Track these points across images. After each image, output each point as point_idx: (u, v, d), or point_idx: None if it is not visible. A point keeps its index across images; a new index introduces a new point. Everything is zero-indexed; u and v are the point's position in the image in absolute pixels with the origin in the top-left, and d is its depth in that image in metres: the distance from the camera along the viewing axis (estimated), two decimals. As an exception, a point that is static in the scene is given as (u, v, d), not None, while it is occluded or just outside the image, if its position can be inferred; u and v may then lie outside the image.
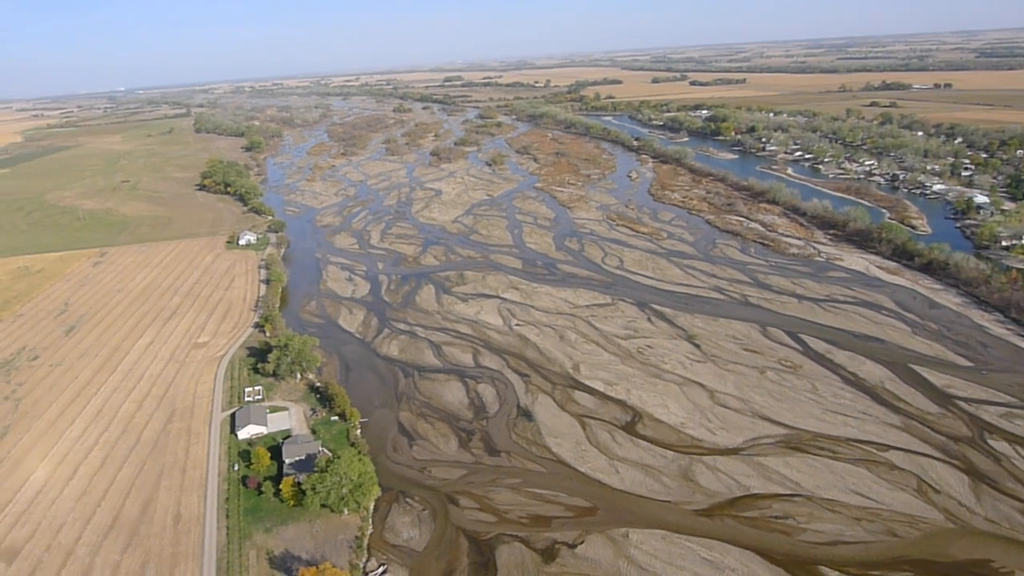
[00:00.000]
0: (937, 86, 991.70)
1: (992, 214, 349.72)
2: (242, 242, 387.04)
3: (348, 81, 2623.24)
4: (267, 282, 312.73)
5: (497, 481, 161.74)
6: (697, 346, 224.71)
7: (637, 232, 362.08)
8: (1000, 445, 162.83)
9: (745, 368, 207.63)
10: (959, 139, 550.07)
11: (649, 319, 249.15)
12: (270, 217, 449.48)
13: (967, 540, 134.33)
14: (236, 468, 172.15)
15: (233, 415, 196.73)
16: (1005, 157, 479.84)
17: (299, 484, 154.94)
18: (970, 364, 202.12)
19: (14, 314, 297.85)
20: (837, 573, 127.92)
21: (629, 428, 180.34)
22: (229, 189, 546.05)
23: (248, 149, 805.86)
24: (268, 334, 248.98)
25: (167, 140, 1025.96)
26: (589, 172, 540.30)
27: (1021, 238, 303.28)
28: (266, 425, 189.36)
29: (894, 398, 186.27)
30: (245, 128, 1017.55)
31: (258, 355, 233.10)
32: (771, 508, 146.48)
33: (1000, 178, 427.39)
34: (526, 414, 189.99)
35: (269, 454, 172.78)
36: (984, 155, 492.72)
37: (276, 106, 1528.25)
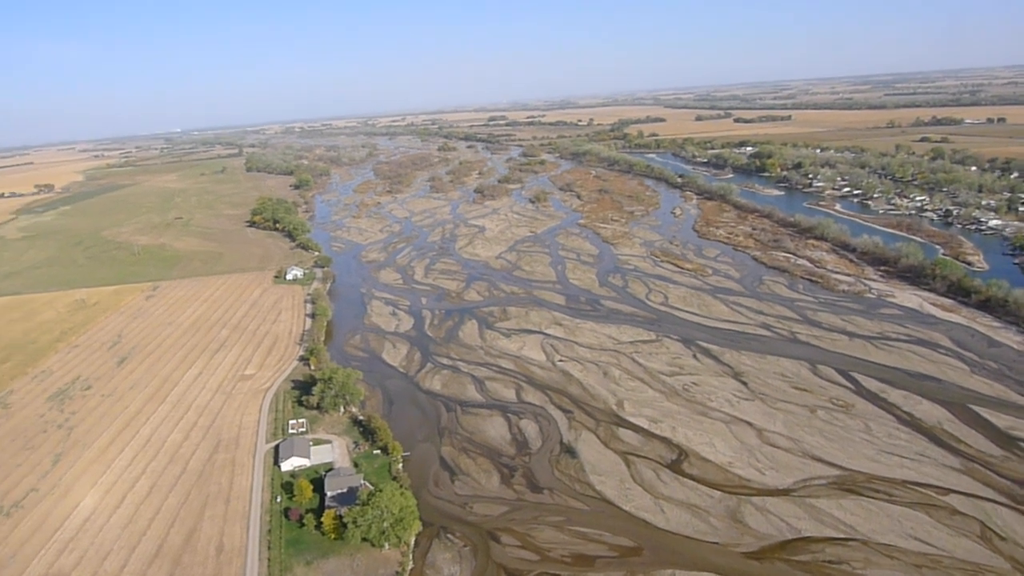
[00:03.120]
0: (990, 120, 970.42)
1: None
2: (289, 277, 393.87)
3: (394, 121, 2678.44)
4: (312, 316, 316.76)
5: (539, 518, 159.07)
6: (744, 383, 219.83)
7: (681, 268, 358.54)
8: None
9: (795, 407, 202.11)
10: (1015, 173, 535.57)
11: (695, 356, 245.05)
12: (316, 253, 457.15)
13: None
14: (279, 500, 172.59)
15: (277, 447, 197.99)
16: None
17: (340, 517, 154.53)
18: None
19: (70, 345, 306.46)
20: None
21: (674, 466, 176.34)
22: (278, 225, 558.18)
23: (296, 187, 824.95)
24: (313, 367, 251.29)
25: (219, 179, 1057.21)
26: (632, 209, 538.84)
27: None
28: (309, 457, 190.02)
29: (953, 439, 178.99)
30: (294, 167, 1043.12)
31: (302, 388, 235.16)
32: (824, 552, 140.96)
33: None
34: (569, 451, 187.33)
35: (311, 486, 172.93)
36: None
37: (324, 145, 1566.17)
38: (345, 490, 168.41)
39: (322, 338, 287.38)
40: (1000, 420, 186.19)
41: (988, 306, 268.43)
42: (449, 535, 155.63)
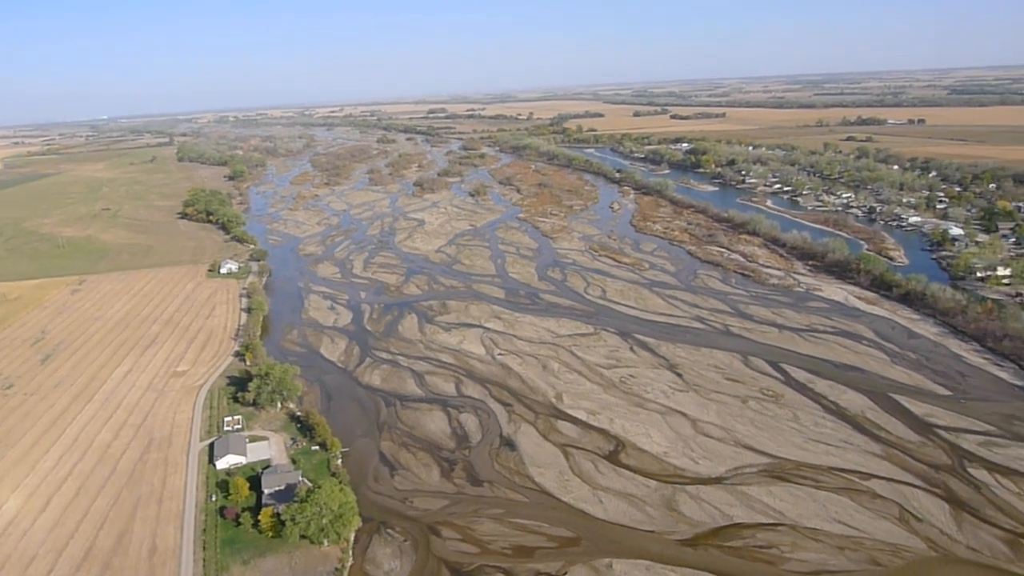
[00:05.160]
0: (911, 121, 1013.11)
1: (967, 246, 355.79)
2: (223, 271, 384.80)
3: (332, 112, 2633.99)
4: (248, 311, 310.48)
5: (480, 511, 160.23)
6: (679, 375, 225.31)
7: (619, 262, 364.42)
8: (980, 473, 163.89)
9: (727, 397, 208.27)
10: (933, 173, 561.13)
11: (632, 349, 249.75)
12: (252, 246, 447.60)
13: (949, 569, 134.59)
14: (214, 499, 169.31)
15: (212, 445, 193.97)
16: (978, 191, 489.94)
17: (278, 515, 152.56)
18: (949, 393, 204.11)
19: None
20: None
21: (612, 457, 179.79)
22: (211, 218, 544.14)
23: (231, 178, 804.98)
24: (248, 363, 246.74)
25: (150, 169, 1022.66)
26: (572, 203, 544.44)
27: (995, 269, 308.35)
28: (245, 455, 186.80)
29: (875, 427, 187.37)
30: (228, 157, 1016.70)
31: (238, 384, 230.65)
32: (755, 538, 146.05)
33: (973, 211, 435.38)
34: (509, 444, 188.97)
35: (248, 484, 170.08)
36: (958, 188, 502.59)
37: (260, 136, 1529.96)
38: (283, 487, 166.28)
39: (258, 333, 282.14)
40: (918, 408, 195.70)
41: (908, 299, 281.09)
42: (389, 530, 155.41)
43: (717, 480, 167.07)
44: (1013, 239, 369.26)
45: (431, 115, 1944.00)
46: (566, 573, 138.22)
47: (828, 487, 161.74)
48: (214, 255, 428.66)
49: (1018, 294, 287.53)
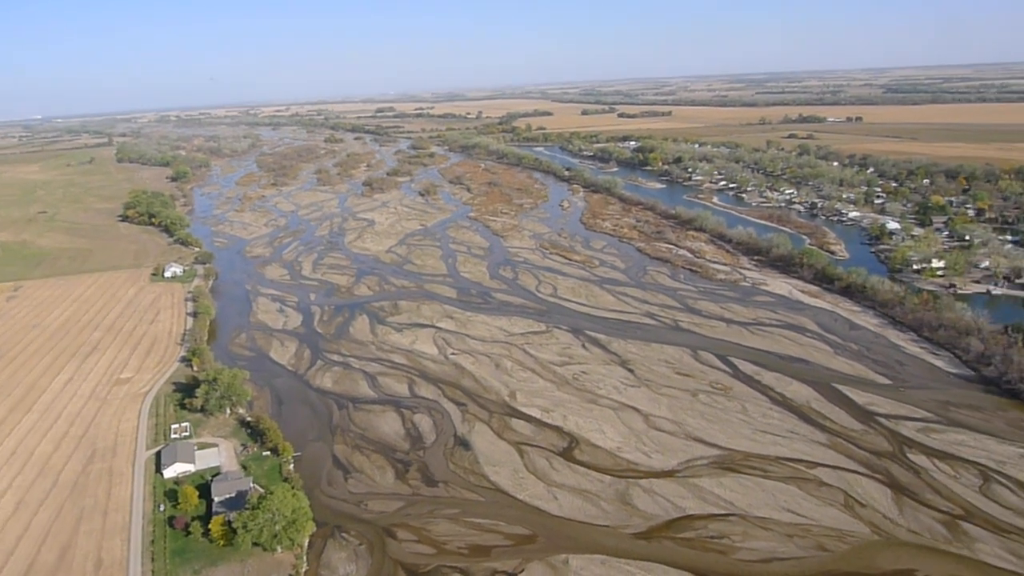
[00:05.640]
0: (849, 119, 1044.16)
1: (903, 239, 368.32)
2: (168, 274, 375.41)
3: (278, 111, 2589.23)
4: (194, 315, 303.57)
5: (435, 512, 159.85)
6: (631, 371, 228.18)
7: (570, 260, 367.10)
8: (919, 459, 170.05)
9: (678, 391, 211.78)
10: (871, 169, 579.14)
11: (584, 346, 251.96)
12: (197, 248, 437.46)
13: (892, 551, 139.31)
14: (162, 509, 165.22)
15: (159, 453, 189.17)
16: (913, 186, 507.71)
17: (229, 523, 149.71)
18: (889, 382, 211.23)
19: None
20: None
21: (566, 454, 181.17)
22: (154, 220, 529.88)
23: (174, 179, 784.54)
24: (196, 368, 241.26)
25: (88, 170, 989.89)
26: (522, 202, 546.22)
27: (930, 262, 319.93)
28: (194, 462, 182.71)
29: (820, 417, 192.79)
30: (170, 158, 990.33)
31: (185, 390, 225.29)
32: (707, 528, 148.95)
33: (909, 205, 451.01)
34: (463, 443, 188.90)
35: (197, 493, 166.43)
36: (894, 184, 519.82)
37: (203, 136, 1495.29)
38: (234, 494, 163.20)
39: (205, 337, 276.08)
40: (860, 397, 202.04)
41: (849, 292, 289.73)
42: (344, 534, 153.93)
43: (669, 473, 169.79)
44: (946, 232, 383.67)
45: (379, 114, 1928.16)
46: (523, 571, 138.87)
47: (776, 476, 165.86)
48: (157, 259, 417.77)
49: (951, 285, 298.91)
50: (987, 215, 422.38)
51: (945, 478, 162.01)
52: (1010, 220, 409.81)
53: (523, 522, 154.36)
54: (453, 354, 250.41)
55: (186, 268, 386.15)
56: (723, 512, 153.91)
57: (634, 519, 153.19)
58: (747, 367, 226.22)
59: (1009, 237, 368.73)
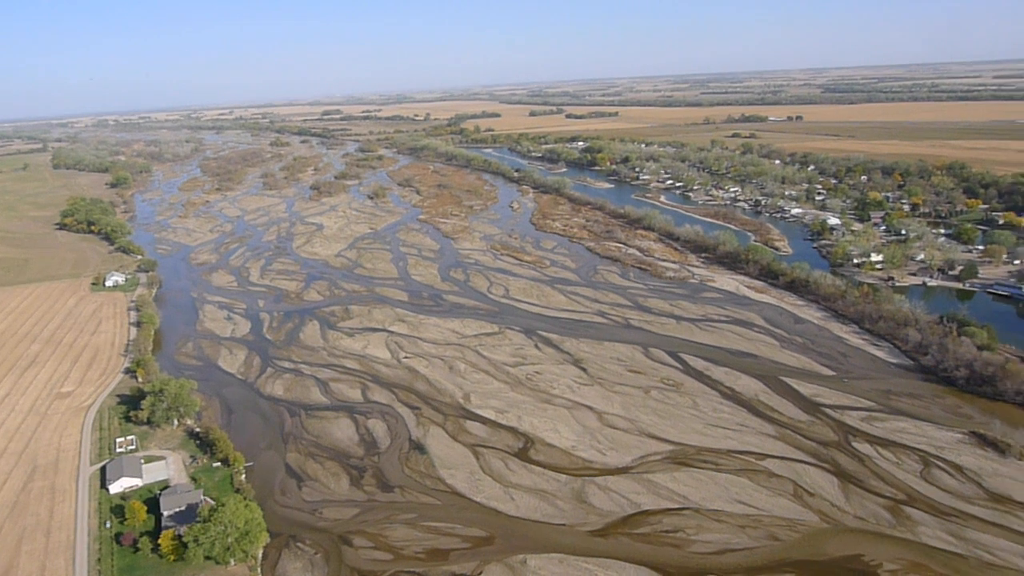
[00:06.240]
0: (790, 118, 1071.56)
1: (843, 235, 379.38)
2: (109, 283, 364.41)
3: (221, 114, 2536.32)
4: (138, 325, 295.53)
5: (391, 517, 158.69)
6: (584, 370, 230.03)
7: (521, 261, 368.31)
8: (863, 447, 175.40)
9: (630, 389, 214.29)
10: (811, 167, 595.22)
11: (536, 346, 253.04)
12: (140, 256, 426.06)
13: (840, 538, 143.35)
14: (108, 525, 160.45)
15: (103, 468, 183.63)
16: (851, 182, 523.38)
17: (180, 537, 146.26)
18: (833, 373, 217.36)
19: None
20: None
21: (522, 454, 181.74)
22: (93, 228, 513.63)
23: (114, 185, 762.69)
24: (141, 380, 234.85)
25: (21, 177, 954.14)
26: (472, 203, 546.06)
27: (869, 256, 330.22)
28: (141, 476, 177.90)
29: (768, 409, 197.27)
30: (110, 163, 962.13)
31: (130, 402, 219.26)
32: (662, 523, 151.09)
33: (848, 201, 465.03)
34: (418, 447, 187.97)
35: (145, 507, 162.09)
36: (834, 181, 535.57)
37: (144, 140, 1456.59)
38: (183, 508, 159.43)
39: (150, 348, 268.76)
40: (806, 389, 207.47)
41: (793, 287, 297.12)
42: (299, 543, 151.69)
43: (624, 470, 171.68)
44: (883, 227, 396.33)
45: (326, 117, 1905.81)
46: (481, 572, 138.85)
47: (728, 469, 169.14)
48: (98, 267, 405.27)
49: (890, 278, 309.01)
50: (921, 210, 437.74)
51: (888, 465, 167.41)
52: (943, 214, 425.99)
53: (480, 524, 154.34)
54: (406, 357, 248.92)
55: (128, 277, 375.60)
56: (677, 506, 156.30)
57: (590, 517, 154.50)
58: (697, 363, 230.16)
59: (942, 231, 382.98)
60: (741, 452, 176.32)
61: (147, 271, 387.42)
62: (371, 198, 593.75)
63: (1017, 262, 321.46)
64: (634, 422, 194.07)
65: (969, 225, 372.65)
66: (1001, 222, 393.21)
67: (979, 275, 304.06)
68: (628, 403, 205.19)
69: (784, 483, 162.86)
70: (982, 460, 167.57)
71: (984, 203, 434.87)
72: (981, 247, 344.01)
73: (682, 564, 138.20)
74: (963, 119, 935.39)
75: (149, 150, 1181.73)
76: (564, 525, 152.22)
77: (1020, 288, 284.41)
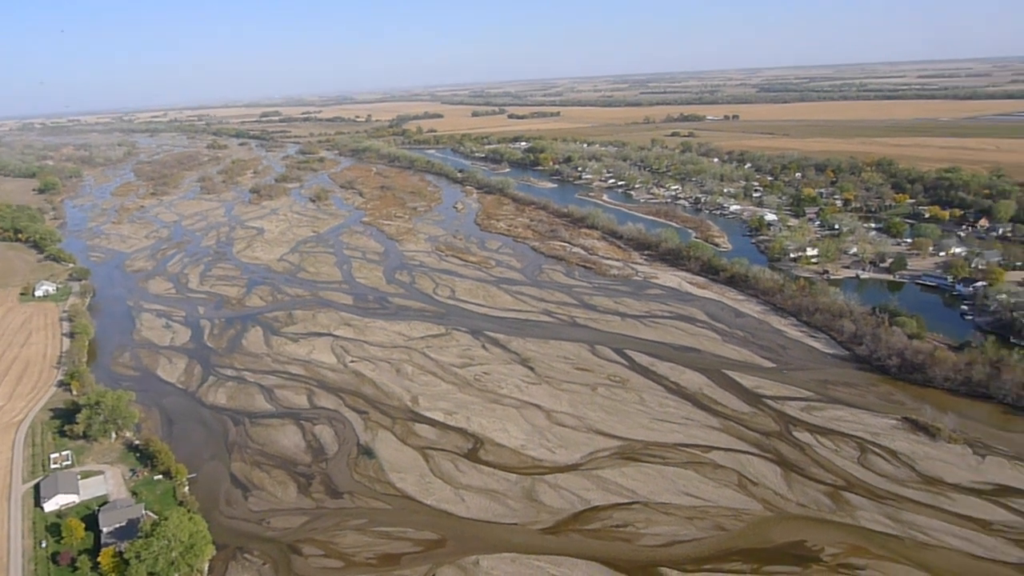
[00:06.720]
0: (727, 117, 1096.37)
1: (780, 230, 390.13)
2: (39, 293, 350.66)
3: (155, 117, 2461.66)
4: (71, 335, 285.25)
5: (341, 524, 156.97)
6: (531, 369, 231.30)
7: (466, 262, 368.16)
8: (803, 436, 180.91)
9: (578, 386, 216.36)
10: (748, 164, 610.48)
11: (484, 346, 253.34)
12: (72, 264, 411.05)
13: (784, 525, 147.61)
14: (44, 545, 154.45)
15: (38, 486, 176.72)
16: (786, 179, 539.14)
17: (121, 553, 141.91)
18: (773, 365, 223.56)
19: None
20: (676, 572, 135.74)
21: (472, 455, 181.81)
22: (20, 235, 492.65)
23: (42, 191, 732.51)
24: (75, 392, 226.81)
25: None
26: (416, 205, 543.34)
27: (805, 250, 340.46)
28: (78, 493, 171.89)
29: (712, 402, 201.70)
30: (37, 168, 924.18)
31: (65, 416, 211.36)
32: (612, 518, 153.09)
33: (784, 198, 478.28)
34: (367, 452, 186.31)
35: (83, 525, 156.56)
36: (770, 178, 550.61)
37: (73, 144, 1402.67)
38: (124, 523, 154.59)
39: (84, 359, 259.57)
40: (748, 381, 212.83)
41: (734, 282, 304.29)
42: (246, 555, 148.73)
43: (573, 467, 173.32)
44: (818, 222, 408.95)
45: (265, 119, 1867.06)
46: (434, 575, 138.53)
47: (674, 462, 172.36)
48: (27, 277, 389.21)
49: (825, 271, 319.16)
50: (853, 205, 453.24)
51: (827, 452, 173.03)
52: (873, 209, 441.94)
53: (432, 527, 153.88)
54: (352, 362, 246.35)
55: (60, 286, 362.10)
56: (627, 501, 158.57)
57: (541, 515, 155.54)
58: (642, 358, 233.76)
59: (873, 225, 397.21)
60: (687, 445, 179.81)
61: (80, 279, 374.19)
62: (313, 201, 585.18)
63: (943, 254, 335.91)
64: (582, 419, 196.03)
65: (897, 219, 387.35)
66: (927, 216, 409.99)
67: (908, 267, 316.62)
68: (576, 401, 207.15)
69: (729, 474, 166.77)
70: (914, 444, 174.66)
71: (911, 198, 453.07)
72: (909, 240, 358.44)
73: (632, 558, 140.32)
74: (890, 117, 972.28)
75: (79, 154, 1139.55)
76: (515, 524, 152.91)
77: (946, 279, 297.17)
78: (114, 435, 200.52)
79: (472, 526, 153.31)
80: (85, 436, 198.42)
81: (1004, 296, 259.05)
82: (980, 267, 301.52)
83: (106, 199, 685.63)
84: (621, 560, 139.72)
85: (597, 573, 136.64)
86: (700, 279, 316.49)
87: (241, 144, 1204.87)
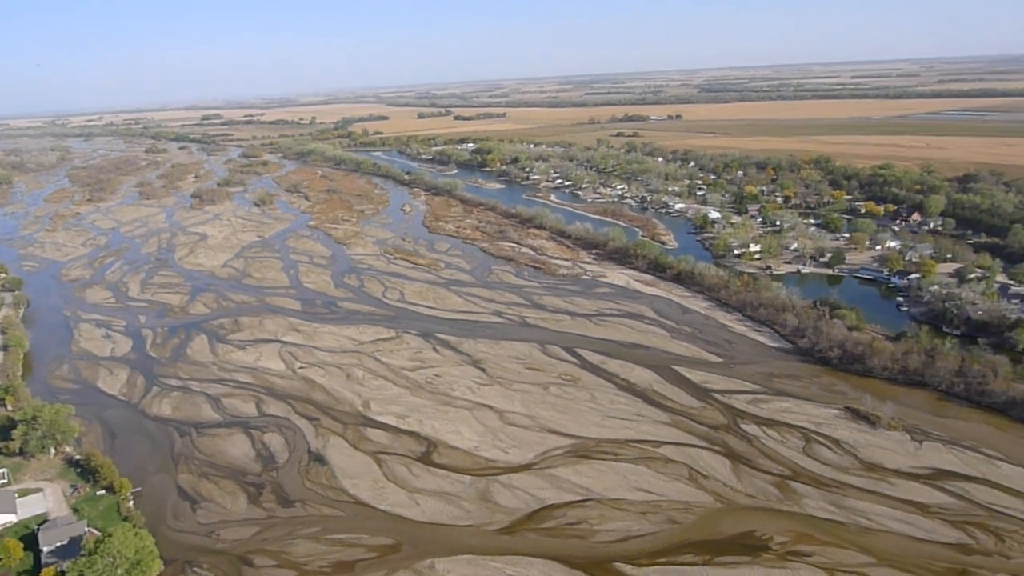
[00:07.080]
0: (670, 117, 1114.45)
1: (724, 227, 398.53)
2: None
3: (90, 120, 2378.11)
4: (4, 348, 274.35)
5: (294, 533, 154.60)
6: (483, 370, 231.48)
7: (415, 264, 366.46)
8: (751, 428, 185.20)
9: (529, 386, 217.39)
10: (692, 163, 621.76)
11: (435, 348, 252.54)
12: (3, 275, 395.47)
13: (734, 516, 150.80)
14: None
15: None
16: (729, 177, 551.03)
17: (63, 573, 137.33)
18: (720, 360, 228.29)
19: None
20: (630, 566, 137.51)
21: (425, 459, 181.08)
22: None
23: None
24: (10, 408, 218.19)
25: None
26: (363, 208, 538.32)
27: (748, 247, 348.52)
28: (15, 512, 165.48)
29: (662, 398, 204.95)
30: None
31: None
32: (566, 516, 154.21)
33: (727, 196, 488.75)
34: (318, 459, 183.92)
35: (22, 545, 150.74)
36: (713, 176, 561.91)
37: (2, 149, 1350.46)
38: (66, 541, 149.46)
39: (19, 373, 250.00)
40: (696, 376, 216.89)
41: (680, 279, 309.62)
42: (196, 568, 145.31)
43: (527, 466, 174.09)
44: (760, 219, 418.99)
45: (205, 122, 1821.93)
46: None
47: (626, 458, 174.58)
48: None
49: (768, 267, 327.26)
50: (793, 202, 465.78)
51: (774, 443, 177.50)
52: (812, 205, 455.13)
53: (386, 532, 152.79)
54: (301, 368, 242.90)
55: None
56: (581, 498, 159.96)
57: (496, 515, 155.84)
58: (593, 357, 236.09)
59: (812, 221, 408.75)
60: (638, 441, 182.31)
61: (12, 290, 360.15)
62: (258, 205, 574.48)
63: (879, 248, 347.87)
64: (535, 419, 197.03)
65: (835, 215, 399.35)
66: (863, 211, 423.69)
67: (846, 261, 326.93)
68: (528, 400, 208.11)
69: (680, 468, 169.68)
70: (856, 433, 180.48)
71: (848, 194, 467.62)
72: (847, 235, 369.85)
73: (587, 554, 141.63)
74: (826, 116, 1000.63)
75: (9, 159, 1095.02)
76: (471, 526, 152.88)
77: (883, 272, 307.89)
78: (53, 451, 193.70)
79: (427, 529, 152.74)
80: (22, 452, 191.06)
81: (936, 287, 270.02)
82: (914, 260, 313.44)
83: (39, 206, 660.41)
84: (577, 557, 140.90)
85: (553, 571, 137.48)
86: (648, 277, 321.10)
87: (181, 148, 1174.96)
